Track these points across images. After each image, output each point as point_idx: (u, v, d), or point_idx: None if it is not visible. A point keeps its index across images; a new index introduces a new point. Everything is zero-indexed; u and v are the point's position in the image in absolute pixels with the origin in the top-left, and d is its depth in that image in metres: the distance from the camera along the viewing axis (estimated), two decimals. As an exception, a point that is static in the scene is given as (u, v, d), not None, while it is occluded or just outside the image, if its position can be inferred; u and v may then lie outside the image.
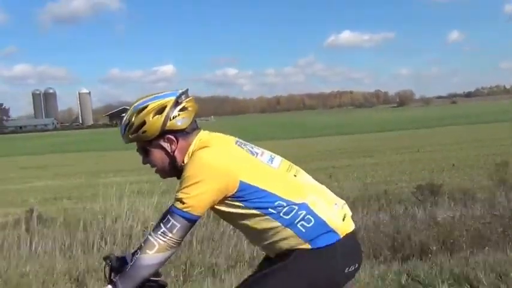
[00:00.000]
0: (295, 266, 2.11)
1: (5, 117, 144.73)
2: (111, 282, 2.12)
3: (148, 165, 2.27)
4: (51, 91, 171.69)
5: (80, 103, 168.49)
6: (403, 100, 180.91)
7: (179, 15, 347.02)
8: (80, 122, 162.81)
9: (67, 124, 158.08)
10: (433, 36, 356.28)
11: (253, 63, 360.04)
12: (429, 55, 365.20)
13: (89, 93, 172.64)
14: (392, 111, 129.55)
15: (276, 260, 2.17)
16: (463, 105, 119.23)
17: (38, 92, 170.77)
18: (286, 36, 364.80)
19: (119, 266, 2.22)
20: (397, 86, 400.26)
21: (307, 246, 2.11)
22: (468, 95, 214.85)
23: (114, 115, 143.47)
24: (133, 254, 2.21)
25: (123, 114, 2.27)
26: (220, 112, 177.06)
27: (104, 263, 2.28)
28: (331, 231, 2.12)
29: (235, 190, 2.08)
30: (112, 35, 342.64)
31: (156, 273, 2.14)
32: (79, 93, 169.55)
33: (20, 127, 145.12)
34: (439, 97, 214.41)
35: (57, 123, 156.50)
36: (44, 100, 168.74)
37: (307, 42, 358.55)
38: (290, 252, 2.12)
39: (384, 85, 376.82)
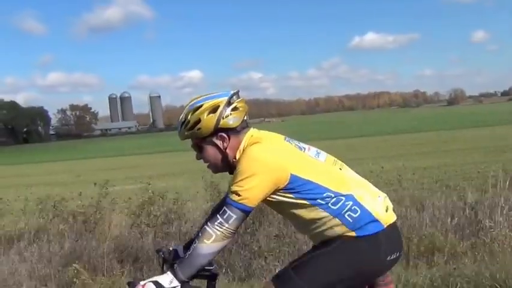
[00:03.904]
0: (340, 251, 2.23)
1: (93, 120, 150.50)
2: (163, 272, 2.21)
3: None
4: (126, 95, 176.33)
5: (151, 106, 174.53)
6: (454, 99, 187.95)
7: (205, 21, 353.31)
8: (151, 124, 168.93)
9: (146, 126, 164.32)
10: (457, 37, 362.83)
11: (277, 67, 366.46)
12: (453, 55, 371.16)
13: (159, 96, 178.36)
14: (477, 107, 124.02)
15: (321, 245, 2.28)
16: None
17: (114, 96, 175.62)
18: (310, 39, 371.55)
19: (171, 258, 2.44)
20: (420, 85, 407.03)
21: (353, 234, 2.23)
22: (504, 93, 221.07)
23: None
24: (184, 247, 2.47)
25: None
26: (265, 114, 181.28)
27: (157, 255, 2.50)
28: (375, 221, 2.25)
29: (286, 183, 2.20)
30: (143, 42, 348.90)
31: (209, 263, 2.24)
32: (150, 97, 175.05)
33: (106, 130, 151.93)
34: (470, 96, 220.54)
35: (139, 126, 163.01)
36: (121, 104, 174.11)
37: (331, 45, 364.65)
38: (336, 238, 2.24)
39: (407, 86, 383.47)
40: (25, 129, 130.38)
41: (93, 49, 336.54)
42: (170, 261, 2.40)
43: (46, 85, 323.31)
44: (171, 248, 2.51)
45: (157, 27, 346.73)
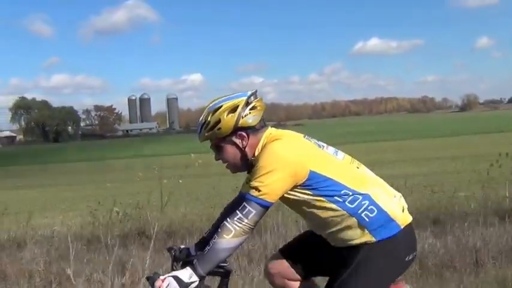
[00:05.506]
0: (368, 263, 2.29)
1: (117, 121, 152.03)
2: (173, 271, 2.24)
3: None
4: (145, 96, 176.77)
5: (168, 108, 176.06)
6: (467, 104, 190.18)
7: (208, 25, 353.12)
8: (167, 125, 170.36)
9: (164, 128, 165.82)
10: (461, 43, 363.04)
11: (278, 71, 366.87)
12: (457, 62, 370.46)
13: (176, 98, 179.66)
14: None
15: (347, 260, 2.32)
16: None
17: (133, 98, 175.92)
18: (312, 45, 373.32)
19: (182, 256, 2.47)
20: (423, 91, 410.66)
21: (372, 239, 2.29)
22: (511, 100, 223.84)
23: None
24: (196, 245, 2.54)
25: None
26: (275, 118, 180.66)
27: (169, 253, 2.51)
28: (392, 221, 2.30)
29: (305, 179, 2.25)
30: (148, 45, 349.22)
31: (223, 260, 2.24)
32: (167, 98, 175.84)
33: (127, 131, 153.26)
34: (480, 103, 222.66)
35: (159, 127, 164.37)
36: (140, 105, 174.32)
37: (333, 50, 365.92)
38: (358, 248, 2.30)
39: (409, 92, 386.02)
40: (55, 129, 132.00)
41: (99, 52, 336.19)
42: (182, 259, 2.49)
43: (50, 87, 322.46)
44: (182, 246, 2.60)
45: (162, 30, 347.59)
